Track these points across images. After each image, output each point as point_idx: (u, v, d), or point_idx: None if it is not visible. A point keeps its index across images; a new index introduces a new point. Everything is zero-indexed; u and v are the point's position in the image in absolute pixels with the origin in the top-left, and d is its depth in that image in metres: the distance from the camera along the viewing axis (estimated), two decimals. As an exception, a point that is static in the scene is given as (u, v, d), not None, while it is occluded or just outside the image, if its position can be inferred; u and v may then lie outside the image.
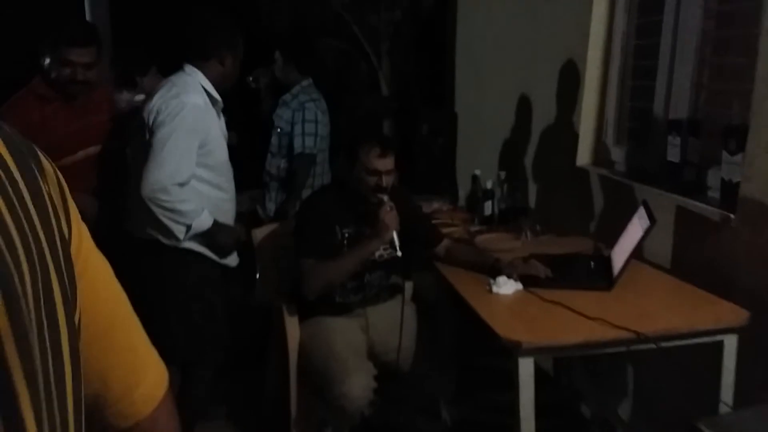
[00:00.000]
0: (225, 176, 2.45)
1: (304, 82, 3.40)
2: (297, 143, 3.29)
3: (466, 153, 4.10)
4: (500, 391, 2.10)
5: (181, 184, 2.21)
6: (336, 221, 2.42)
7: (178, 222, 2.24)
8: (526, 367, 1.85)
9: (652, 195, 2.42)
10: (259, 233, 2.82)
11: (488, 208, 3.22)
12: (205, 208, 2.32)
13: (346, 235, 2.43)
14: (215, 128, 2.34)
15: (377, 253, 2.47)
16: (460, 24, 4.32)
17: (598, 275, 2.28)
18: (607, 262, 2.36)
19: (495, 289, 2.20)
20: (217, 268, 2.46)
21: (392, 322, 2.47)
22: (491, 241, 2.75)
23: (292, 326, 2.50)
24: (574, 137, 3.05)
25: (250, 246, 2.78)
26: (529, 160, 3.50)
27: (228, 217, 2.50)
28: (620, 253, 2.27)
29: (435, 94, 4.57)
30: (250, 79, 3.69)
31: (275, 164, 3.35)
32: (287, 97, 3.38)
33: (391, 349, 2.45)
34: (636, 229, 2.19)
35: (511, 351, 1.86)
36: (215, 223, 2.36)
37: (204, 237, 2.37)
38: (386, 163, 2.35)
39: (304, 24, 4.66)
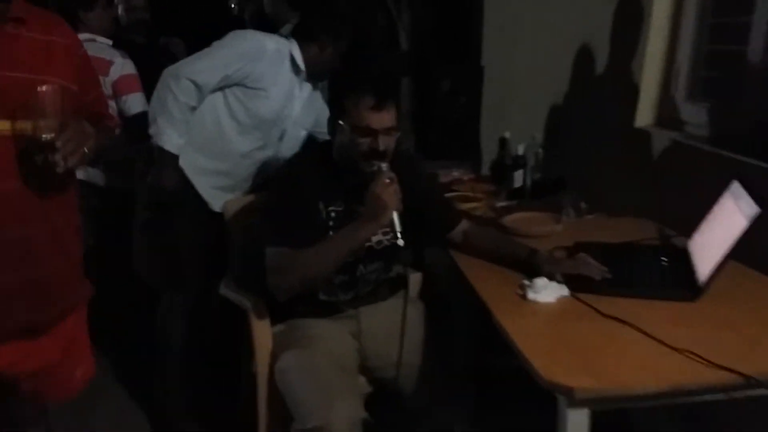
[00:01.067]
0: (261, 133, 2.28)
1: (295, 21, 2.76)
2: None
3: (492, 112, 3.41)
4: (531, 408, 1.57)
5: (197, 88, 2.10)
6: (319, 196, 1.82)
7: (154, 110, 2.13)
8: (578, 423, 1.25)
9: (744, 167, 1.79)
10: (232, 206, 2.22)
11: (518, 178, 2.61)
12: (181, 137, 2.12)
13: (333, 214, 1.83)
14: (279, 84, 2.23)
15: (374, 239, 1.86)
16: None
17: (675, 278, 1.65)
18: (684, 257, 1.74)
19: (531, 294, 1.60)
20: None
21: (392, 326, 1.86)
22: (523, 223, 2.14)
23: (262, 332, 1.91)
24: (633, 91, 2.41)
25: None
26: (571, 120, 2.86)
27: (228, 177, 2.28)
28: (706, 247, 1.65)
29: (458, 46, 3.83)
30: (232, 4, 3.05)
31: None
32: None
33: (390, 363, 1.86)
34: (733, 215, 1.55)
35: (556, 396, 1.26)
36: (170, 157, 2.11)
37: (147, 156, 2.15)
38: (383, 119, 1.73)
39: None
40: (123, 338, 2.78)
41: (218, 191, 2.27)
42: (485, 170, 2.94)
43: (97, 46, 2.59)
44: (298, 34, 2.29)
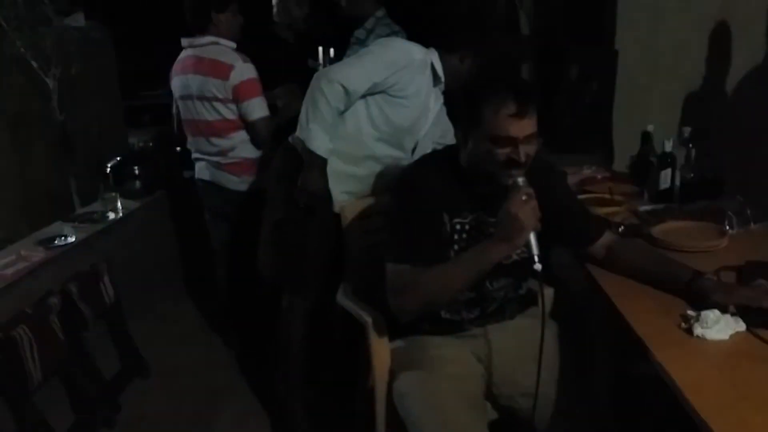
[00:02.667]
0: (397, 141, 2.27)
1: (379, 13, 3.02)
2: None
3: (627, 101, 2.97)
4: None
5: (347, 93, 2.11)
6: (444, 207, 1.68)
7: (306, 114, 2.16)
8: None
9: None
10: (350, 208, 2.17)
11: (666, 179, 2.28)
12: (331, 142, 2.16)
13: (458, 227, 1.69)
14: (419, 94, 2.22)
15: None
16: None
17: None
18: None
19: (699, 330, 1.36)
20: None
21: (523, 349, 1.67)
22: (678, 235, 1.86)
23: (380, 349, 1.80)
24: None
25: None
26: (726, 112, 2.60)
27: (360, 182, 2.27)
28: None
29: (589, 27, 3.29)
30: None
31: None
32: (360, 33, 3.02)
33: (519, 391, 1.69)
34: None
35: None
36: (320, 161, 2.13)
37: (285, 158, 2.30)
38: (525, 127, 1.55)
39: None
40: (250, 339, 2.97)
41: (347, 195, 2.27)
42: (618, 166, 2.65)
43: (220, 48, 2.72)
44: (441, 44, 2.24)
